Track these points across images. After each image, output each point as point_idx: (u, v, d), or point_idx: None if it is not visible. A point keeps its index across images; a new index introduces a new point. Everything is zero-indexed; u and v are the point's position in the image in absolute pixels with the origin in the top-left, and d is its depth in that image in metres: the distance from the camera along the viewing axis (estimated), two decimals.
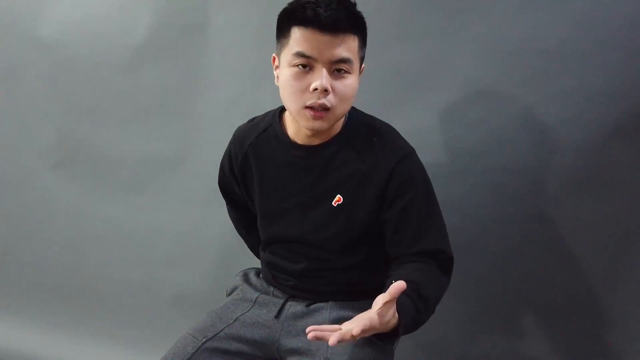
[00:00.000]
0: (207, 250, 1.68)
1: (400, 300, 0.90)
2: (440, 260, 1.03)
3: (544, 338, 1.47)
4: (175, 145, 1.63)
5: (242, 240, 1.37)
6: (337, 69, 0.94)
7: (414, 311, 0.93)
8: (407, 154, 1.03)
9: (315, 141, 1.04)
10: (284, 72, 0.96)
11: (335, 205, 1.05)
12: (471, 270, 1.45)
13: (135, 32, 1.57)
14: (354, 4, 0.96)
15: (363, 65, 1.01)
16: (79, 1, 1.60)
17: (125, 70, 1.61)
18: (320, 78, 0.92)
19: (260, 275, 1.23)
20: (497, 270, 1.45)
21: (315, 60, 0.92)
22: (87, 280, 1.81)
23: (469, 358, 1.52)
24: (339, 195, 1.05)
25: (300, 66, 0.93)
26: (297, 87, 0.94)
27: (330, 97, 0.94)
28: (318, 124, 0.97)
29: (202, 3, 1.50)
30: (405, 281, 0.84)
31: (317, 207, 1.06)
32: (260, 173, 1.11)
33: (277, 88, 1.02)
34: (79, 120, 1.69)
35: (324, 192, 1.05)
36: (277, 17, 0.97)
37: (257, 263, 1.30)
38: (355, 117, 1.07)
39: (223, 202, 1.32)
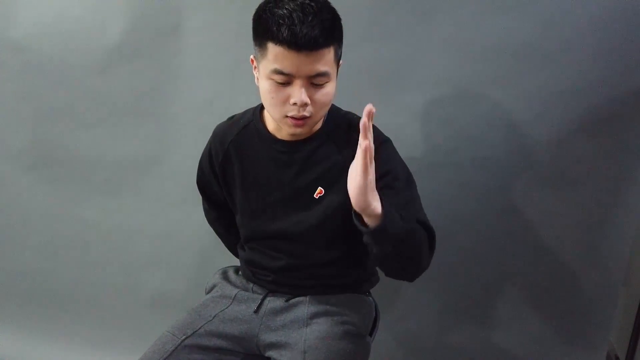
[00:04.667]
0: (185, 250, 1.68)
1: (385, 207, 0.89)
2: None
3: (515, 328, 1.52)
4: (151, 146, 1.62)
5: (220, 240, 1.38)
6: (315, 82, 0.95)
7: (397, 217, 0.92)
8: (382, 142, 1.06)
9: (297, 137, 1.07)
10: (263, 83, 0.98)
11: (316, 198, 1.07)
12: (443, 263, 1.48)
13: (109, 33, 1.56)
14: (330, 15, 0.93)
15: (341, 62, 1.02)
16: (51, 2, 1.58)
17: (99, 72, 1.59)
18: (300, 94, 0.94)
19: (239, 273, 1.25)
20: (469, 264, 1.49)
21: (293, 76, 0.94)
22: (64, 283, 1.79)
23: (444, 349, 1.56)
24: (320, 188, 1.07)
25: (278, 82, 0.95)
26: (277, 99, 0.96)
27: (310, 107, 0.97)
28: (299, 130, 1.00)
29: (177, 3, 1.50)
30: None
31: (299, 200, 1.09)
32: (242, 170, 1.12)
33: (253, 89, 1.03)
34: (52, 122, 1.67)
35: (305, 185, 1.08)
36: (252, 18, 0.98)
37: (235, 262, 1.31)
38: (335, 113, 1.10)
39: (200, 202, 1.33)
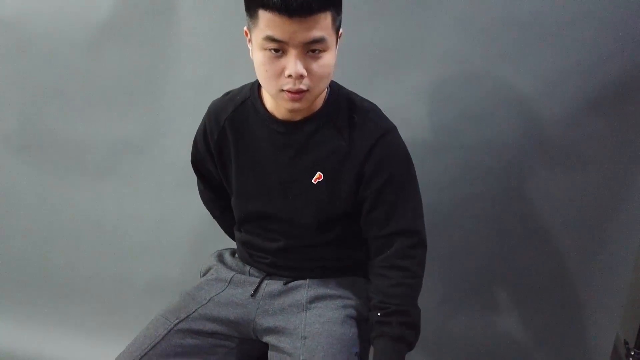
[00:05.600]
0: (180, 235, 1.63)
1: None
2: (412, 241, 1.01)
3: (519, 314, 1.48)
4: (144, 128, 1.57)
5: (216, 224, 1.33)
6: (312, 49, 0.89)
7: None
8: (385, 132, 1.01)
9: (296, 117, 1.01)
10: (257, 55, 0.92)
11: (315, 183, 1.02)
12: (446, 248, 1.45)
13: (101, 11, 1.50)
14: None
15: (341, 31, 0.97)
16: None
17: (90, 51, 1.54)
18: (294, 64, 0.88)
19: (236, 255, 1.20)
20: (472, 248, 1.45)
21: (287, 43, 0.87)
22: (57, 269, 1.75)
23: (445, 336, 1.52)
24: (319, 173, 1.02)
25: (272, 50, 0.89)
26: (271, 71, 0.90)
27: (306, 80, 0.90)
28: (297, 105, 0.94)
29: None
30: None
31: (297, 184, 1.04)
32: (237, 148, 1.07)
33: (248, 67, 0.97)
34: (41, 103, 1.62)
35: (303, 169, 1.03)
36: None
37: (232, 245, 1.27)
38: (336, 92, 1.04)
39: (195, 185, 1.28)
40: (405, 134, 1.06)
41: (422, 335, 1.51)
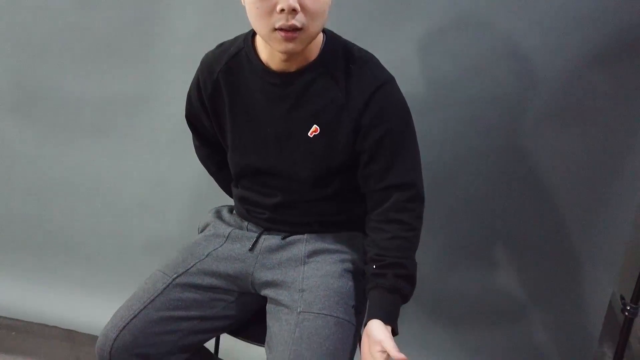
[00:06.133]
0: (177, 193, 1.62)
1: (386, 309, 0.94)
2: (410, 194, 0.99)
3: (518, 273, 1.49)
4: (138, 84, 1.53)
5: (213, 181, 1.32)
6: None
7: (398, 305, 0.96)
8: (383, 83, 0.98)
9: (291, 67, 0.98)
10: None
11: (311, 136, 1.00)
12: (445, 205, 1.44)
13: None
14: None
15: None
16: None
17: (81, 5, 1.48)
18: None
19: (233, 212, 1.19)
20: (472, 206, 1.44)
21: None
22: (54, 228, 1.74)
23: (442, 294, 1.53)
24: (315, 126, 1.00)
25: None
26: (263, 8, 0.86)
27: (300, 16, 0.86)
28: (291, 46, 0.90)
29: None
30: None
31: (292, 138, 1.02)
32: (232, 101, 1.04)
33: (242, 18, 0.94)
34: (33, 59, 1.57)
35: (299, 122, 1.00)
36: None
37: (229, 203, 1.25)
38: (332, 42, 1.01)
39: (191, 142, 1.26)
40: (403, 88, 1.03)
41: (418, 290, 1.52)
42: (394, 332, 0.93)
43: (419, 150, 1.04)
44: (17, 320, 1.83)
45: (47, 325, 1.80)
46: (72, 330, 1.79)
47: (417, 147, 1.03)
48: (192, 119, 1.16)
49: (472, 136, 1.37)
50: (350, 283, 1.02)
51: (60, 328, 1.79)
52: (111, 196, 1.67)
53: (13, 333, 1.84)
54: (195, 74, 1.10)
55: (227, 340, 1.39)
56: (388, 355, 0.86)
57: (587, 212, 1.39)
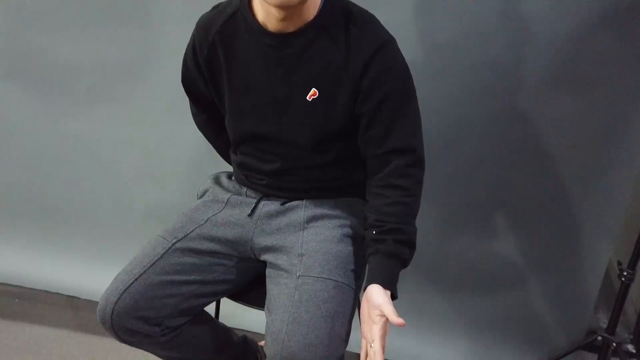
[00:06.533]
0: (176, 160, 1.61)
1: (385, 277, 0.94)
2: (410, 159, 0.99)
3: (516, 239, 1.49)
4: (135, 50, 1.50)
5: (212, 149, 1.31)
6: None
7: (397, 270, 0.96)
8: (383, 44, 0.96)
9: (288, 28, 0.96)
10: None
11: (310, 100, 0.99)
12: (446, 171, 1.44)
13: None
14: None
15: None
16: None
17: None
18: None
19: (232, 178, 1.19)
20: (472, 170, 1.43)
21: None
22: (54, 197, 1.74)
23: (441, 260, 1.54)
24: (314, 89, 0.98)
25: None
26: None
27: None
28: None
29: None
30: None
31: (291, 102, 1.00)
32: (228, 64, 1.02)
33: None
34: (26, 24, 1.54)
35: (297, 85, 0.99)
36: None
37: (228, 169, 1.25)
38: (332, 1, 0.98)
39: (189, 109, 1.24)
40: (404, 52, 1.01)
41: (418, 257, 1.53)
42: (393, 297, 0.93)
43: (420, 114, 1.02)
44: (19, 287, 1.84)
45: (49, 292, 1.81)
46: (74, 297, 1.81)
47: (418, 111, 1.01)
48: (189, 83, 1.14)
49: (472, 102, 1.35)
50: (350, 248, 1.03)
51: (62, 295, 1.81)
52: (109, 164, 1.66)
53: (16, 300, 1.86)
54: (191, 37, 1.08)
55: (227, 305, 1.41)
56: (387, 319, 0.87)
57: (586, 178, 1.39)
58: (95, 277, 1.66)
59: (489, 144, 1.39)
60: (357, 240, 1.05)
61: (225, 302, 1.32)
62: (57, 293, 1.81)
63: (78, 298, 1.80)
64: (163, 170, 1.64)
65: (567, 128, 1.35)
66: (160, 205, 1.67)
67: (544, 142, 1.38)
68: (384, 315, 0.87)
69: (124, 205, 1.70)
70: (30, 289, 1.83)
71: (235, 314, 1.66)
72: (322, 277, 0.95)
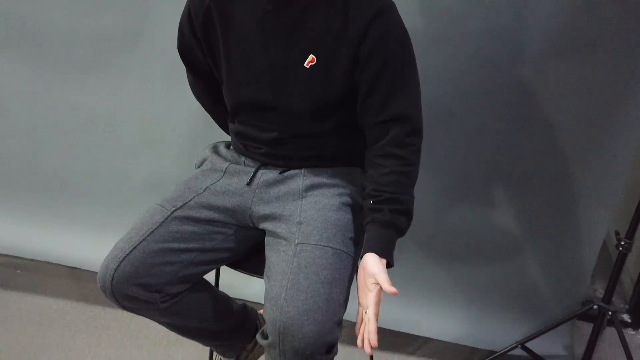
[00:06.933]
0: (174, 131, 1.60)
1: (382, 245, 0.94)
2: (408, 128, 0.98)
3: (515, 210, 1.49)
4: (131, 18, 1.48)
5: (210, 118, 1.30)
6: None
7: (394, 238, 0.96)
8: (383, 9, 0.94)
9: None
10: None
11: (307, 67, 0.97)
12: (445, 142, 1.43)
13: None
14: None
15: None
16: None
17: None
18: None
19: (230, 147, 1.18)
20: (473, 140, 1.43)
21: None
22: (52, 169, 1.74)
23: (439, 230, 1.55)
24: (311, 56, 0.97)
25: None
26: None
27: None
28: None
29: None
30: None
31: (288, 69, 0.99)
32: (224, 31, 1.00)
33: None
34: None
35: (295, 51, 0.97)
36: None
37: (227, 139, 1.24)
38: None
39: (186, 78, 1.23)
40: (404, 19, 0.99)
41: (416, 227, 1.54)
42: (389, 265, 0.94)
43: (419, 82, 1.01)
44: (20, 258, 1.86)
45: (50, 264, 1.83)
46: (75, 268, 1.82)
47: (418, 79, 1.00)
48: (185, 52, 1.12)
49: (473, 71, 1.34)
50: (348, 216, 1.03)
51: (64, 266, 1.83)
52: (107, 135, 1.65)
53: (18, 271, 1.87)
54: (186, 3, 1.06)
55: (226, 276, 1.43)
56: (381, 287, 0.88)
57: (586, 148, 1.39)
58: (96, 248, 1.67)
59: (489, 113, 1.38)
60: (355, 208, 1.05)
61: (225, 273, 1.33)
62: (59, 264, 1.82)
63: (79, 269, 1.81)
64: (161, 140, 1.63)
65: (567, 97, 1.34)
66: (158, 175, 1.67)
67: (544, 111, 1.36)
68: (379, 284, 0.88)
69: (123, 175, 1.70)
70: (32, 260, 1.85)
71: (234, 285, 1.68)
72: (320, 245, 0.96)
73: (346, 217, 1.02)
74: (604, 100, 1.33)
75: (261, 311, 1.31)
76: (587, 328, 1.64)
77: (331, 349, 0.90)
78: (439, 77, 1.34)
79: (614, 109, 1.33)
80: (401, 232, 0.97)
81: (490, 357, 1.57)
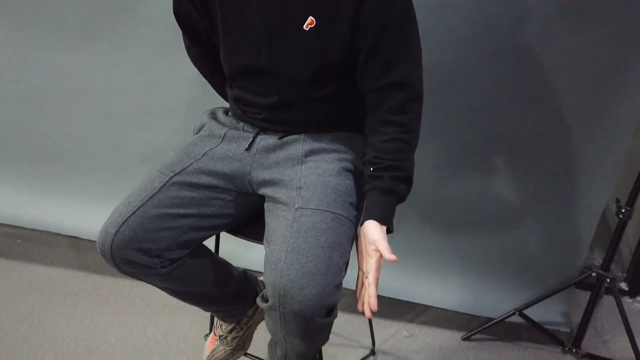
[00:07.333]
0: (173, 100, 1.58)
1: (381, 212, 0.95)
2: (408, 94, 0.96)
3: (515, 179, 1.49)
4: None
5: (208, 86, 1.28)
6: None
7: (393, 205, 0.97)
8: None
9: None
10: None
11: (306, 29, 0.95)
12: (446, 111, 1.41)
13: None
14: None
15: None
16: None
17: None
18: None
19: (229, 113, 1.17)
20: (474, 108, 1.41)
21: None
22: (49, 138, 1.72)
23: (439, 199, 1.55)
24: (311, 18, 0.94)
25: None
26: None
27: None
28: None
29: None
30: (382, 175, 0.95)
31: (287, 31, 0.96)
32: None
33: None
34: None
35: (293, 13, 0.95)
36: None
37: (225, 105, 1.23)
38: None
39: (183, 44, 1.20)
40: None
41: (415, 195, 1.54)
42: (389, 231, 0.94)
43: (421, 48, 0.99)
44: (21, 228, 1.86)
45: (51, 233, 1.83)
46: (75, 238, 1.83)
47: (419, 44, 0.98)
48: (181, 15, 1.09)
49: (475, 37, 1.31)
50: (349, 181, 1.02)
51: (64, 235, 1.83)
52: (104, 102, 1.63)
53: (18, 241, 1.88)
54: None
55: (226, 244, 1.43)
56: (381, 254, 0.89)
57: (588, 116, 1.37)
58: (95, 217, 1.67)
59: (491, 81, 1.36)
60: (355, 173, 1.05)
61: (225, 242, 1.34)
62: (59, 234, 1.83)
63: (79, 238, 1.82)
64: (158, 108, 1.61)
65: (570, 66, 1.32)
66: (157, 143, 1.66)
67: (546, 79, 1.34)
68: (379, 250, 0.89)
69: (121, 144, 1.69)
70: (32, 230, 1.85)
71: (234, 254, 1.68)
72: (320, 209, 0.95)
73: (346, 182, 1.02)
74: (606, 68, 1.30)
75: (261, 277, 1.31)
76: (584, 297, 1.66)
77: (331, 312, 0.91)
78: (440, 43, 1.32)
79: (616, 77, 1.31)
80: (401, 199, 0.97)
81: (488, 324, 1.58)
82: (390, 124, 0.97)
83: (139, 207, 0.99)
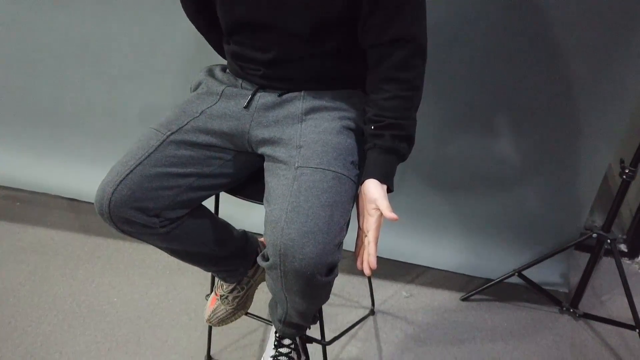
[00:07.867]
0: (170, 58, 1.54)
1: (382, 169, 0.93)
2: (412, 49, 0.93)
3: (517, 141, 1.47)
4: None
5: (206, 43, 1.24)
6: None
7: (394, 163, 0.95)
8: None
9: None
10: None
11: None
12: (450, 69, 1.38)
13: None
14: None
15: None
16: None
17: None
18: None
19: (227, 70, 1.13)
20: (477, 67, 1.38)
21: None
22: (47, 100, 1.69)
23: (441, 160, 1.53)
24: None
25: None
26: None
27: None
28: None
29: None
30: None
31: None
32: None
33: None
34: None
35: None
36: None
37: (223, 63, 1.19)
38: None
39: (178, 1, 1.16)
40: None
41: (417, 157, 1.52)
42: (390, 190, 0.93)
43: (425, 4, 0.95)
44: (20, 190, 1.85)
45: (50, 195, 1.83)
46: (75, 200, 1.82)
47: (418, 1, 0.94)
48: None
49: None
50: (350, 140, 1.00)
51: (63, 197, 1.83)
52: (99, 64, 1.60)
53: (17, 203, 1.87)
54: None
55: (226, 207, 1.42)
56: (381, 213, 0.88)
57: (593, 78, 1.34)
58: (94, 179, 1.65)
59: (495, 40, 1.32)
60: (356, 131, 1.02)
61: (224, 204, 1.33)
62: (58, 196, 1.82)
63: (78, 200, 1.81)
64: (155, 67, 1.57)
65: (576, 25, 1.28)
66: (154, 102, 1.63)
67: (552, 39, 1.30)
68: (379, 209, 0.88)
69: (117, 104, 1.66)
70: (31, 192, 1.84)
71: (234, 216, 1.68)
72: (320, 168, 0.93)
73: (347, 140, 0.99)
74: (612, 31, 1.27)
75: (262, 239, 1.31)
76: (583, 259, 1.66)
77: (332, 271, 0.91)
78: (444, 3, 1.27)
79: (622, 41, 1.27)
80: (402, 158, 0.96)
81: (487, 285, 1.60)
82: (393, 81, 0.94)
83: (136, 166, 0.97)
